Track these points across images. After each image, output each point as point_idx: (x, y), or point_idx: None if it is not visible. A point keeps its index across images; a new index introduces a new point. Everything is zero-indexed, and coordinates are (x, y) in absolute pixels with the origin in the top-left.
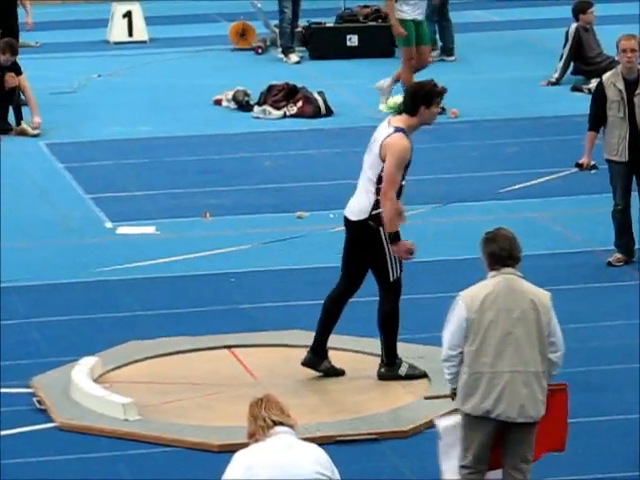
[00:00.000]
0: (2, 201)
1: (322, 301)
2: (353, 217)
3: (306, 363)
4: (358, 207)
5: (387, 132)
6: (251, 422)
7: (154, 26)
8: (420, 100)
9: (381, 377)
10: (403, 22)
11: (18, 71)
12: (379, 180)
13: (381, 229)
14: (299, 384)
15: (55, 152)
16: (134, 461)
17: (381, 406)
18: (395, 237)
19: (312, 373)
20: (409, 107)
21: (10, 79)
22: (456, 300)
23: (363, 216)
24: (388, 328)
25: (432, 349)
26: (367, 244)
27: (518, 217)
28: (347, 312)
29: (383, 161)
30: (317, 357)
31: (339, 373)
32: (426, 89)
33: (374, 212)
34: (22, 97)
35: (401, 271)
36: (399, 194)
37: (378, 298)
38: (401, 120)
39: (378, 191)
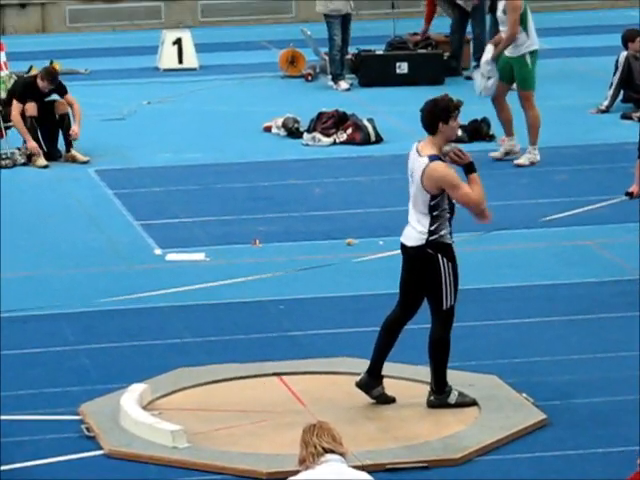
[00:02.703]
0: (52, 227)
1: (372, 328)
2: (410, 243)
3: (361, 384)
4: (415, 234)
5: (423, 162)
6: (302, 448)
7: (204, 53)
8: (437, 117)
9: (431, 405)
10: (531, 55)
11: (63, 91)
12: (431, 209)
13: (439, 256)
14: (348, 411)
15: (105, 179)
16: None
17: (431, 434)
18: None
19: (361, 400)
20: (429, 127)
21: (61, 106)
22: None
23: (420, 242)
24: (438, 356)
25: (481, 377)
26: (423, 270)
27: (567, 244)
28: (398, 339)
29: (427, 192)
30: (373, 379)
31: (390, 400)
32: (442, 105)
33: (431, 238)
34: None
35: (455, 300)
36: (450, 220)
37: (430, 326)
38: (428, 145)
39: (433, 220)
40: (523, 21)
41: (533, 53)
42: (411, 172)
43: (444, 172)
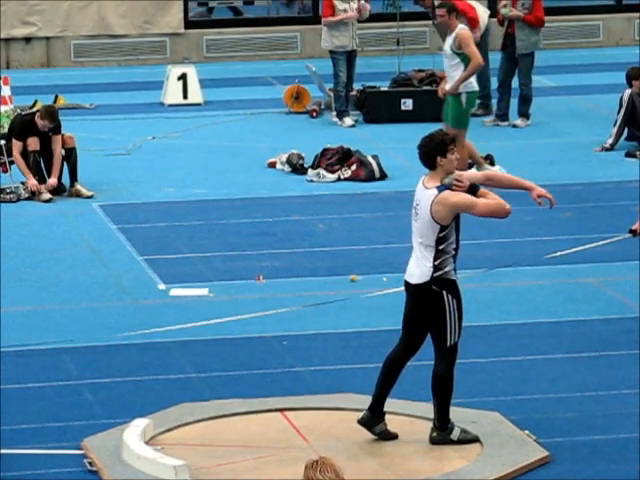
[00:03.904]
0: (56, 262)
1: (375, 365)
2: (414, 281)
3: (363, 421)
4: (418, 271)
5: (431, 194)
6: None
7: (209, 89)
8: (435, 152)
9: (433, 441)
10: (467, 95)
11: (58, 129)
12: (438, 242)
13: (444, 292)
14: (351, 447)
15: (109, 213)
16: None
17: (433, 470)
18: None
19: (363, 437)
20: (428, 163)
21: (69, 140)
22: None
23: (425, 279)
24: (441, 392)
25: (484, 413)
26: (428, 307)
27: (571, 282)
28: (401, 376)
29: (437, 222)
30: (375, 417)
31: (392, 437)
32: (437, 140)
33: (436, 274)
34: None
35: (459, 337)
36: (455, 257)
37: (433, 362)
38: (432, 179)
39: (438, 254)
40: (466, 59)
41: (470, 94)
42: (416, 204)
43: (457, 197)
